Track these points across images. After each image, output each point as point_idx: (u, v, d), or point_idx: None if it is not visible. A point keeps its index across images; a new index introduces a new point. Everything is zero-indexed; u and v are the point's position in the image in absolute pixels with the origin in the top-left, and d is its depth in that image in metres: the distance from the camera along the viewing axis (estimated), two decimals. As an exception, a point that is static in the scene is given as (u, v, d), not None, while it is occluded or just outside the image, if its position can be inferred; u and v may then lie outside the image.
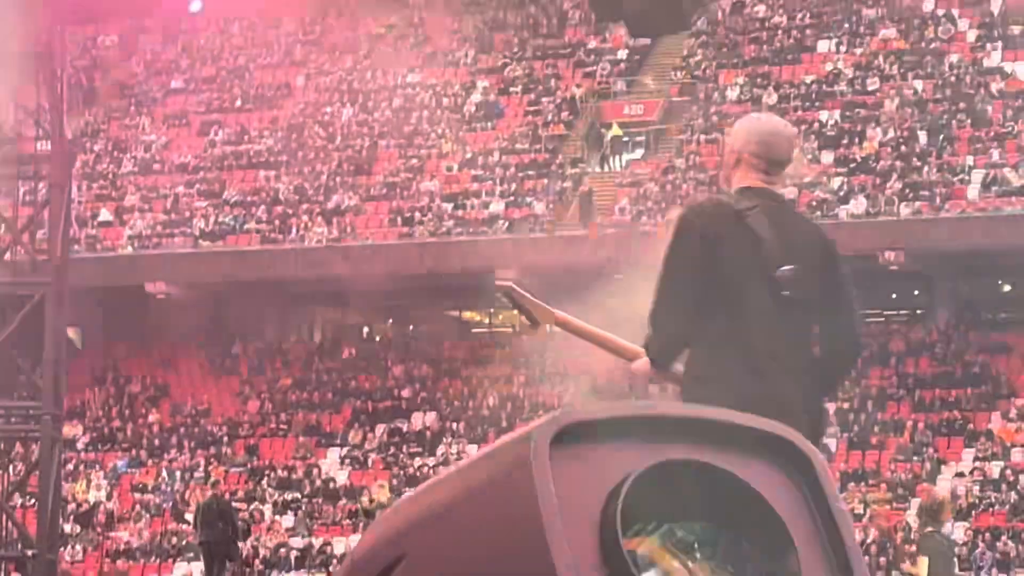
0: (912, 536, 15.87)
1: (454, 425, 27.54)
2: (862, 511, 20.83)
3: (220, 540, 14.84)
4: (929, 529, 8.67)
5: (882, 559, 19.69)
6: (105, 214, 30.69)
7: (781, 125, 3.35)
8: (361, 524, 23.76)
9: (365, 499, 24.84)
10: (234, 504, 20.06)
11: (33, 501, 17.74)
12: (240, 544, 18.24)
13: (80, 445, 28.55)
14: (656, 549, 0.70)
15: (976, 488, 23.85)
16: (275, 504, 26.47)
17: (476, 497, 0.72)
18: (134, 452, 28.75)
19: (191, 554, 23.41)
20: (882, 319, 28.40)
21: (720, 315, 2.92)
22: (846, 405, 25.01)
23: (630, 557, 0.66)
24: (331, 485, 26.94)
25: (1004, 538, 22.40)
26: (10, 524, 15.06)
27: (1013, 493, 23.54)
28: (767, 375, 2.85)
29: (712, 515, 0.70)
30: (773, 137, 3.13)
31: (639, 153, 29.80)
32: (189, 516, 21.71)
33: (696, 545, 0.69)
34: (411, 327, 31.78)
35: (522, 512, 0.70)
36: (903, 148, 27.04)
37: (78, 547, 25.94)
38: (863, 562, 0.64)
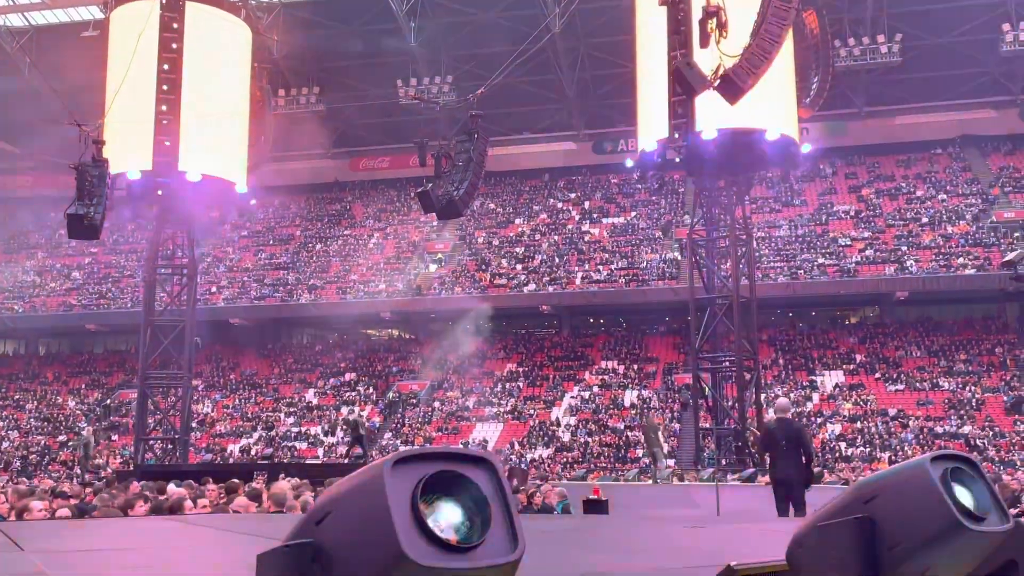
0: None
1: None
2: None
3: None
4: None
5: None
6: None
7: (779, 402, 12.82)
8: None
9: None
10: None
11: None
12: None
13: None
14: (436, 504, 1.59)
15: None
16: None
17: (360, 485, 1.59)
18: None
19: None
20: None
21: (770, 450, 12.19)
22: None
23: (422, 510, 1.51)
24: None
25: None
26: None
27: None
28: (783, 466, 11.73)
29: (458, 492, 1.60)
30: (776, 405, 13.00)
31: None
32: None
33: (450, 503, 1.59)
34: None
35: (377, 491, 1.29)
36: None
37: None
38: (518, 512, 1.27)
